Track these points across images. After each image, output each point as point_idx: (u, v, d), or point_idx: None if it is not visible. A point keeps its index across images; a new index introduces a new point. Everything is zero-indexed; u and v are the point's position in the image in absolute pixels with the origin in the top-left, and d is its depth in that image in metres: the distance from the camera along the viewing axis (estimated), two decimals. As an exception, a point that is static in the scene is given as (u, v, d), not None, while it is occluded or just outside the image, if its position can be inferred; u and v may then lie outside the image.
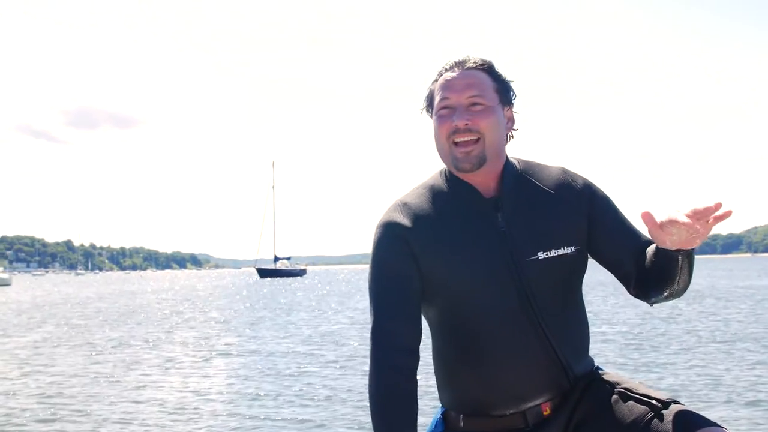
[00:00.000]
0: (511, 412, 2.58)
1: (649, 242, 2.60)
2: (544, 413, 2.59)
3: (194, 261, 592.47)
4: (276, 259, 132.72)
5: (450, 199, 2.62)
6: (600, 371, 2.71)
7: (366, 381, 2.57)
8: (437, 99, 2.62)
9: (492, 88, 2.60)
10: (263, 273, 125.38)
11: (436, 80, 2.67)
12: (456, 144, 2.56)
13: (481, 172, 2.58)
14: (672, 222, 2.24)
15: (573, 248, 2.60)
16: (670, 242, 2.31)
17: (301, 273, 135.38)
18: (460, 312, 2.56)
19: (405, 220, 2.59)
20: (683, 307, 28.24)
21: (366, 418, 10.69)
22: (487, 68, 2.63)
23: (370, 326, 2.58)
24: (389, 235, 2.59)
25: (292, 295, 57.05)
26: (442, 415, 2.74)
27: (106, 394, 13.06)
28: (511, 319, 2.53)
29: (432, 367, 2.74)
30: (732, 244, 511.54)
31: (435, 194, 2.64)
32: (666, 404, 2.45)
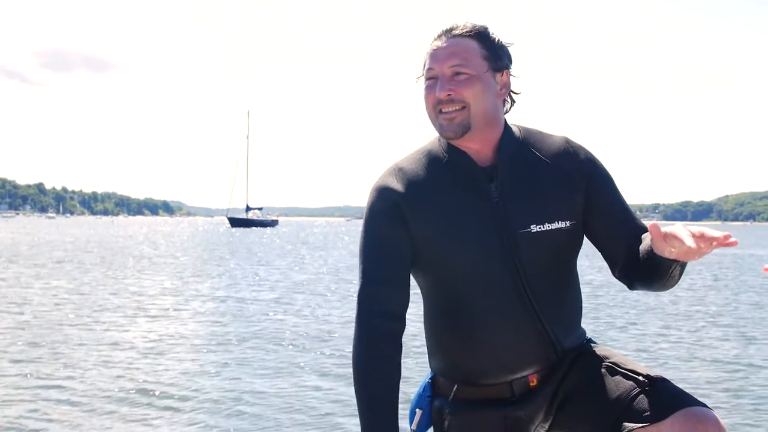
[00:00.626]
0: (497, 381, 2.60)
1: (643, 229, 2.60)
2: (531, 384, 2.61)
3: (166, 208, 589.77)
4: (248, 208, 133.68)
5: (445, 166, 2.60)
6: (591, 344, 2.71)
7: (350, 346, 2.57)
8: (425, 69, 2.60)
9: (479, 56, 2.55)
10: (234, 222, 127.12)
11: (427, 50, 2.64)
12: (441, 113, 2.54)
13: (474, 140, 2.56)
14: (677, 238, 2.22)
15: (568, 222, 2.57)
16: (669, 253, 2.30)
17: (272, 224, 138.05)
18: (449, 281, 2.57)
19: (399, 186, 2.58)
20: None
21: (331, 362, 11.05)
22: (476, 34, 2.57)
23: (357, 290, 2.57)
24: (382, 199, 2.58)
25: (259, 244, 57.56)
26: (430, 379, 2.75)
27: (76, 335, 13.17)
28: (500, 290, 2.53)
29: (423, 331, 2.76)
30: (702, 212, 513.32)
31: (431, 160, 2.62)
32: (653, 381, 2.46)
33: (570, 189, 2.59)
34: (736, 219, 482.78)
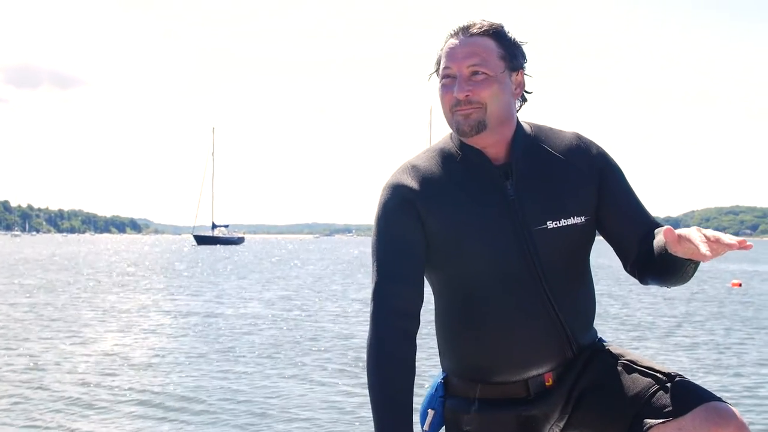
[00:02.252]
0: (513, 380, 2.57)
1: (655, 224, 2.60)
2: (547, 383, 2.58)
3: (134, 226, 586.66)
4: (214, 226, 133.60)
5: (459, 164, 2.57)
6: (603, 343, 2.70)
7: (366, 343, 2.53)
8: (441, 67, 2.57)
9: (497, 55, 2.53)
10: (200, 240, 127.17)
11: (442, 48, 2.61)
12: (456, 111, 2.51)
13: (488, 138, 2.53)
14: (691, 243, 2.24)
15: (583, 218, 2.56)
16: (683, 253, 2.30)
17: (238, 241, 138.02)
18: (465, 278, 2.54)
19: (413, 183, 2.55)
20: (616, 291, 28.87)
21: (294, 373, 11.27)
22: (493, 33, 2.55)
23: (371, 289, 2.53)
24: (396, 197, 2.55)
25: (228, 261, 57.41)
26: (442, 380, 2.71)
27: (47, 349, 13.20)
28: (517, 287, 2.50)
29: (433, 331, 2.74)
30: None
31: (444, 158, 2.60)
32: (671, 377, 2.46)
33: (583, 184, 2.58)
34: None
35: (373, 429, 2.44)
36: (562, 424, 2.61)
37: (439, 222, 2.51)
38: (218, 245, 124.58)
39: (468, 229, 2.49)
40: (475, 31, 2.54)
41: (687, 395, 2.39)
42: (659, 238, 2.44)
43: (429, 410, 2.67)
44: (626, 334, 16.04)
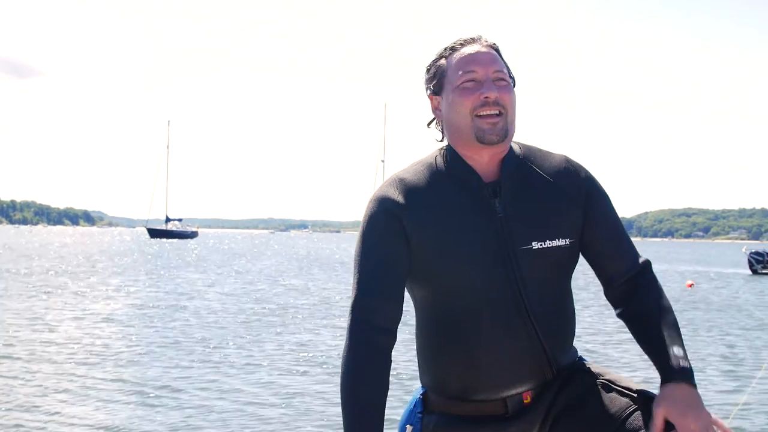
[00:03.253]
0: (492, 398, 2.57)
1: (635, 255, 2.65)
2: (525, 401, 2.58)
3: (87, 218, 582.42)
4: (167, 219, 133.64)
5: (448, 179, 2.57)
6: (583, 362, 2.70)
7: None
8: (459, 73, 2.55)
9: (506, 68, 2.59)
10: (153, 233, 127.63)
11: (444, 57, 2.62)
12: (480, 117, 2.50)
13: (491, 151, 2.53)
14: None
15: (567, 240, 2.57)
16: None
17: (192, 235, 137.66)
18: (447, 295, 2.53)
19: (399, 197, 2.54)
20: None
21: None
22: (497, 49, 2.62)
23: (350, 302, 2.52)
24: (382, 210, 2.54)
25: (179, 255, 57.25)
26: (421, 395, 2.71)
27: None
28: (499, 306, 2.50)
29: (412, 347, 2.67)
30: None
31: (433, 173, 2.59)
32: (648, 398, 2.47)
33: (570, 207, 2.59)
34: (655, 235, 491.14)
35: None
36: None
37: (424, 237, 2.50)
38: (171, 239, 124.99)
39: (453, 245, 2.49)
40: (488, 42, 2.60)
41: None
42: (647, 333, 2.53)
43: (407, 426, 2.67)
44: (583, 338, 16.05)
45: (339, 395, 2.49)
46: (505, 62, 2.61)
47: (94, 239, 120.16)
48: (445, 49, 2.63)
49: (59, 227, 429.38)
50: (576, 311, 2.73)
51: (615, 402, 2.50)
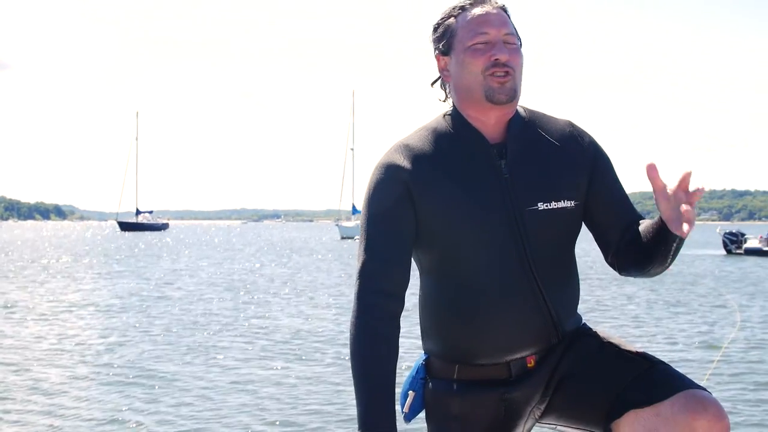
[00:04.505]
0: (496, 362, 2.56)
1: (639, 218, 2.62)
2: (528, 365, 2.58)
3: (58, 212, 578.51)
4: (138, 212, 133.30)
5: (454, 142, 2.57)
6: (587, 327, 2.69)
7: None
8: (470, 34, 2.53)
9: (514, 30, 2.58)
10: (124, 226, 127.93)
11: (453, 16, 2.59)
12: (490, 76, 2.49)
13: (497, 113, 2.53)
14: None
15: (572, 202, 2.57)
16: (664, 208, 2.33)
17: (163, 227, 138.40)
18: (454, 258, 2.53)
19: (405, 162, 2.54)
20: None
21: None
22: (506, 10, 2.60)
23: (357, 267, 2.51)
24: (387, 176, 2.54)
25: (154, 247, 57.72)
26: (424, 361, 2.70)
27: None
28: (505, 268, 2.51)
29: (412, 314, 2.69)
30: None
31: (438, 137, 2.59)
32: (652, 363, 2.48)
33: (575, 170, 2.59)
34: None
35: (356, 406, 2.43)
36: (543, 407, 2.61)
37: (431, 202, 2.50)
38: (142, 231, 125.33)
39: (460, 208, 2.49)
40: (495, 3, 2.57)
41: (667, 382, 2.40)
42: (642, 226, 2.51)
43: (409, 392, 2.66)
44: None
45: (349, 362, 2.49)
46: (513, 24, 2.59)
47: (59, 234, 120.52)
48: (454, 8, 2.60)
49: (30, 222, 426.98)
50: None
51: (618, 367, 2.51)
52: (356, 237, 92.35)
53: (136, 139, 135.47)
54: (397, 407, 2.50)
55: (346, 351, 12.52)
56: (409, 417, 2.65)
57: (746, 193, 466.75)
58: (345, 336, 12.18)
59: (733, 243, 51.87)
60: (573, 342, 2.61)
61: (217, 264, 38.06)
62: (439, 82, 2.70)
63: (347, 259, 44.66)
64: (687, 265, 38.15)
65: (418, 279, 2.67)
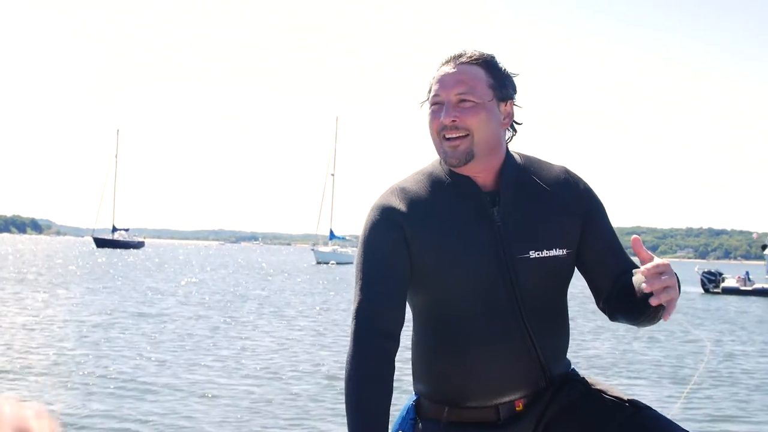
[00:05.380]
0: (485, 405, 2.59)
1: (632, 265, 2.64)
2: (517, 408, 2.61)
3: (35, 226, 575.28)
4: (114, 229, 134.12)
5: (448, 189, 2.61)
6: (576, 372, 2.73)
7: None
8: (430, 94, 2.62)
9: (485, 84, 2.57)
10: (100, 243, 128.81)
11: (437, 71, 2.66)
12: (446, 139, 2.54)
13: (476, 167, 2.56)
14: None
15: (564, 251, 2.60)
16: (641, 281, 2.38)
17: (138, 245, 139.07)
18: (445, 302, 2.57)
19: (401, 205, 2.58)
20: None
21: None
22: (483, 63, 2.60)
23: (353, 307, 2.54)
24: (383, 218, 2.58)
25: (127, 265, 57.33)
26: (414, 402, 2.73)
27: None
28: (496, 314, 2.54)
29: (404, 355, 2.66)
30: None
31: (433, 182, 2.63)
32: (638, 408, 2.52)
33: (568, 218, 2.62)
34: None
35: None
36: None
37: (424, 245, 2.54)
38: (118, 248, 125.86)
39: (452, 253, 2.52)
40: (465, 59, 2.59)
41: (653, 426, 2.45)
42: (637, 278, 2.49)
43: (399, 431, 2.68)
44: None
45: (344, 398, 2.50)
46: (496, 74, 2.60)
47: (30, 249, 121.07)
48: (437, 67, 2.65)
49: (5, 235, 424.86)
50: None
51: (606, 412, 2.54)
52: (332, 262, 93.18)
53: (116, 156, 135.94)
54: None
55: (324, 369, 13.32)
56: None
57: (722, 232, 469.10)
58: (319, 356, 13.50)
59: (711, 282, 52.50)
60: (561, 387, 2.64)
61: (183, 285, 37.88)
62: None
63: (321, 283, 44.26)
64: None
65: (411, 320, 2.69)
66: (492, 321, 2.54)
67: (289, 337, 18.46)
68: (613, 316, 2.65)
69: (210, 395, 10.75)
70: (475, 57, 2.60)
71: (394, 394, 2.48)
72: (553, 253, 2.58)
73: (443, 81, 2.58)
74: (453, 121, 2.52)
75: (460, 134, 2.53)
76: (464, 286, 2.54)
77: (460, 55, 2.60)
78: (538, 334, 2.57)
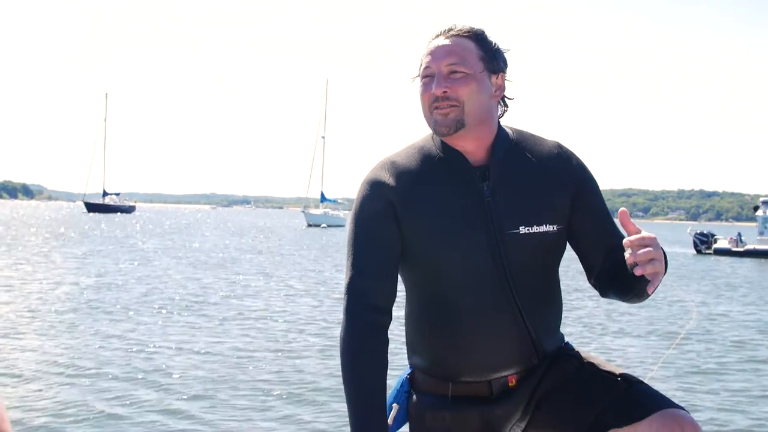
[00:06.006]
0: (478, 380, 2.60)
1: (618, 242, 2.58)
2: (510, 384, 2.62)
3: (26, 191, 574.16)
4: (104, 194, 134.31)
5: (438, 163, 2.61)
6: (569, 347, 2.73)
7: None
8: (421, 67, 2.62)
9: (476, 56, 2.57)
10: (91, 207, 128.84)
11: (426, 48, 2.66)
12: (436, 109, 2.54)
13: (467, 138, 2.57)
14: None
15: (555, 227, 2.60)
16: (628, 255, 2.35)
17: (129, 209, 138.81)
18: (437, 277, 2.57)
19: (391, 180, 2.58)
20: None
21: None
22: (473, 36, 2.60)
23: (345, 281, 2.56)
24: (374, 193, 2.58)
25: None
26: (408, 375, 2.74)
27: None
28: (486, 289, 2.54)
29: (399, 328, 2.74)
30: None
31: (424, 157, 2.63)
32: (631, 383, 2.52)
33: (559, 193, 2.61)
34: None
35: (348, 421, 2.46)
36: (523, 425, 2.64)
37: (413, 220, 2.54)
38: (109, 213, 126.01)
39: (442, 228, 2.53)
40: (455, 33, 2.60)
41: (646, 401, 2.44)
42: (622, 257, 2.47)
43: (394, 405, 2.69)
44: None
45: (340, 374, 2.53)
46: (486, 47, 2.61)
47: (22, 214, 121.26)
48: (429, 41, 2.65)
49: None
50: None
51: (598, 386, 2.55)
52: (323, 225, 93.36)
53: (105, 120, 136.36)
54: None
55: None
56: (393, 429, 2.67)
57: (714, 194, 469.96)
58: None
59: (703, 243, 52.66)
60: (554, 362, 2.64)
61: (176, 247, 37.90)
62: None
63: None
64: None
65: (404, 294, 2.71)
66: (482, 296, 2.54)
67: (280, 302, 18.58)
68: (603, 292, 2.64)
69: (199, 352, 11.04)
70: (465, 30, 2.61)
71: (390, 368, 2.48)
72: (544, 228, 2.57)
73: (434, 53, 2.59)
74: (444, 92, 2.53)
75: (451, 104, 2.53)
76: (453, 262, 2.54)
77: (451, 29, 2.61)
78: (529, 310, 2.57)
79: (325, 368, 10.71)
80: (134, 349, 11.63)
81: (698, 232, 54.70)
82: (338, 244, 50.30)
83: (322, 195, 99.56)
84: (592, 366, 2.62)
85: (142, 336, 12.71)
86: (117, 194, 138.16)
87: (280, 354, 11.80)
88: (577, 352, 2.70)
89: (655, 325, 16.90)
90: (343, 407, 2.42)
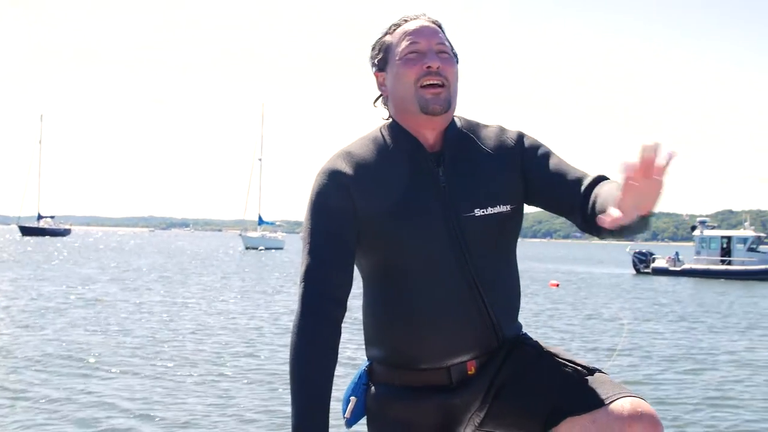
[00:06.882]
0: (436, 366, 2.59)
1: (597, 177, 2.53)
2: (469, 372, 2.60)
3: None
4: (39, 217, 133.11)
5: (393, 151, 2.63)
6: (527, 336, 2.73)
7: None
8: (403, 45, 2.60)
9: (448, 43, 2.63)
10: (25, 231, 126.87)
11: (389, 33, 2.67)
12: (424, 87, 2.55)
13: (443, 120, 2.59)
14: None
15: (509, 206, 2.62)
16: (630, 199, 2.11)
17: (65, 232, 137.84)
18: (395, 264, 2.57)
19: (347, 169, 2.59)
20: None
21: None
22: (439, 26, 2.66)
23: (301, 270, 2.54)
24: (330, 182, 2.58)
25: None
26: (367, 368, 2.73)
27: None
28: (445, 273, 2.54)
29: (353, 322, 2.75)
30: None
31: (379, 146, 2.65)
32: (589, 371, 2.51)
33: (508, 173, 2.64)
34: (534, 236, 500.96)
35: (290, 408, 2.44)
36: (482, 414, 2.62)
37: (371, 207, 2.55)
38: (45, 236, 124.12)
39: (399, 213, 2.54)
40: (429, 18, 2.65)
41: (604, 389, 2.43)
42: (613, 189, 2.35)
43: (351, 398, 2.67)
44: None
45: (288, 363, 2.51)
46: (446, 38, 2.66)
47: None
48: (390, 26, 2.70)
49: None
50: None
51: (556, 375, 2.53)
52: (260, 247, 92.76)
53: (40, 142, 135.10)
54: (338, 414, 2.56)
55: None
56: (350, 422, 2.66)
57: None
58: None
59: (642, 263, 53.21)
60: (513, 350, 2.63)
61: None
62: (381, 99, 2.73)
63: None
64: (594, 283, 39.49)
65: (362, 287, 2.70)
66: (440, 281, 2.54)
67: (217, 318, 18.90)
68: (600, 232, 2.51)
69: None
70: (433, 19, 2.68)
71: (348, 364, 2.38)
72: (498, 209, 2.59)
73: (422, 31, 2.61)
74: (439, 66, 2.55)
75: (438, 82, 2.55)
76: (411, 248, 2.54)
77: (423, 14, 2.68)
78: (488, 292, 2.57)
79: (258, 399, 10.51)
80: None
81: (637, 251, 55.20)
82: (277, 267, 49.96)
83: (260, 217, 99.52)
84: (550, 355, 2.61)
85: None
86: (52, 217, 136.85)
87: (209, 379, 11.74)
88: (536, 341, 2.69)
89: (591, 344, 17.29)
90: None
